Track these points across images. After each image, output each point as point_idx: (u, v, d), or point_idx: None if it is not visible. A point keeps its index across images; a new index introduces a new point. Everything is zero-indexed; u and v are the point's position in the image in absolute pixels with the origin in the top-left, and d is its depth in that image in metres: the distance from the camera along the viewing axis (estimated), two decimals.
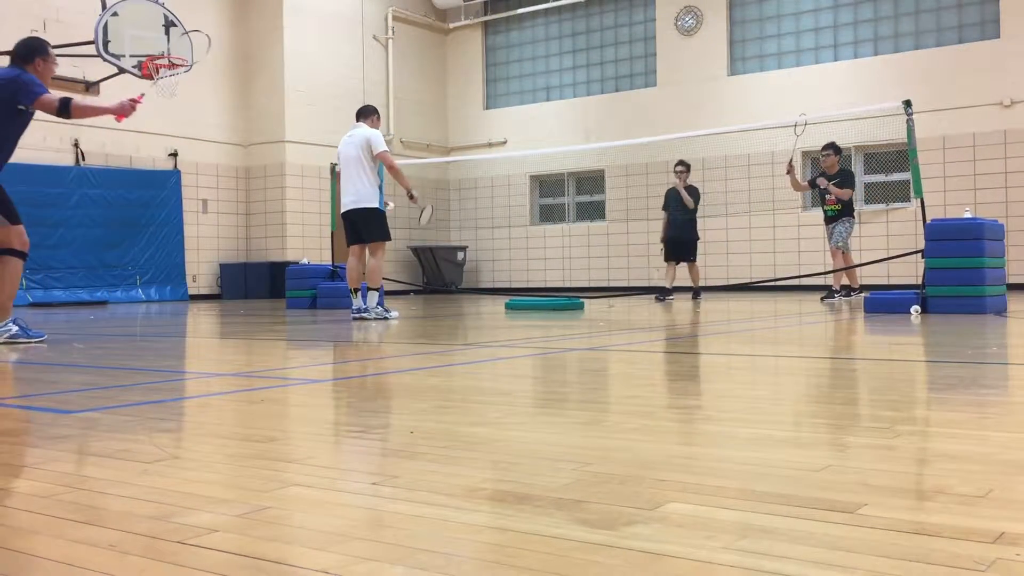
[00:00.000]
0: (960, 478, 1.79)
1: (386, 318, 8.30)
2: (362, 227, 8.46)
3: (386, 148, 8.46)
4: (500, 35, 19.46)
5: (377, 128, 8.63)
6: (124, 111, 6.10)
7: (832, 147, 11.07)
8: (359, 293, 8.63)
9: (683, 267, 12.35)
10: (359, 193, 8.39)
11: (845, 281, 11.17)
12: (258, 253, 16.80)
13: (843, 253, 10.93)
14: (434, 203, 19.30)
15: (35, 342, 5.87)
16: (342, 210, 8.54)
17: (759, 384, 3.66)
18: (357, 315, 8.43)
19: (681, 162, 12.46)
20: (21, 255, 5.94)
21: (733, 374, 4.04)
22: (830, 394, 3.31)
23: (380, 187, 8.45)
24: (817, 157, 15.57)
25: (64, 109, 5.81)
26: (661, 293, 12.16)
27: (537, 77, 18.92)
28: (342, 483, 1.89)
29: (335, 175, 12.65)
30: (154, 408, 3.07)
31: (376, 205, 8.46)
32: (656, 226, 16.61)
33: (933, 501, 1.65)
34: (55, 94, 5.87)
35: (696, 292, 12.30)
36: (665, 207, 12.44)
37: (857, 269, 11.38)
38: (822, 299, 10.92)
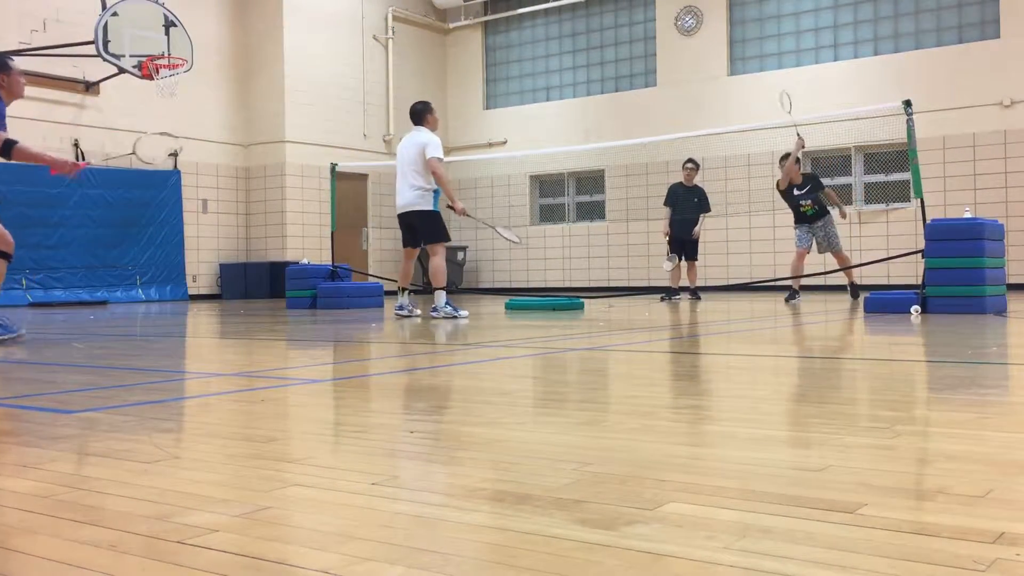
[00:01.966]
0: (960, 478, 1.79)
1: (455, 316, 8.28)
2: (419, 230, 8.55)
3: (439, 155, 8.42)
4: (500, 35, 19.46)
5: (435, 128, 8.60)
6: (63, 169, 5.86)
7: (784, 159, 11.01)
8: (406, 292, 8.73)
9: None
10: (413, 196, 8.44)
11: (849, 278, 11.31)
12: (258, 253, 16.80)
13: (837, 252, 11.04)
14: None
15: (9, 337, 5.89)
16: (397, 211, 8.61)
17: (759, 384, 3.65)
18: (401, 312, 8.62)
19: (691, 160, 12.48)
20: (5, 256, 5.88)
21: (733, 374, 4.04)
22: (830, 394, 3.30)
23: (436, 191, 8.52)
24: (818, 158, 15.63)
25: (5, 151, 5.71)
26: (667, 293, 12.18)
27: (537, 77, 18.91)
28: (342, 483, 1.89)
29: (335, 174, 12.70)
30: (154, 408, 3.07)
31: (431, 208, 8.47)
32: (659, 226, 16.73)
33: (933, 501, 1.65)
34: (1, 134, 5.75)
35: (695, 292, 12.32)
36: (669, 203, 12.39)
37: (847, 269, 11.45)
38: (855, 298, 10.96)
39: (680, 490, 1.73)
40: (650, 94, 17.30)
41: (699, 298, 12.20)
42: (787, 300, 10.82)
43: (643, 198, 16.82)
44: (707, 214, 12.40)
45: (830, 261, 11.64)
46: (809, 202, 10.96)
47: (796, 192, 11.05)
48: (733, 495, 1.68)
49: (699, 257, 12.62)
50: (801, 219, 11.08)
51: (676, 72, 16.95)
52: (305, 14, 16.68)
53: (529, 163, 17.99)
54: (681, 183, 12.42)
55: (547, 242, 18.48)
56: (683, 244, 12.21)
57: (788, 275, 11.38)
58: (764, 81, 16.13)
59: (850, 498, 1.64)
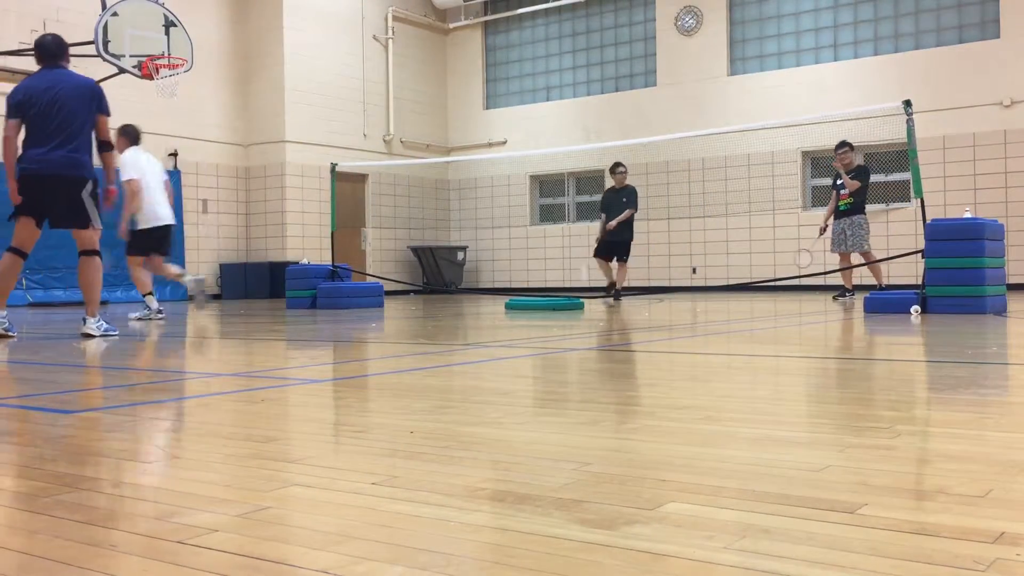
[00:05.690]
0: (960, 478, 1.79)
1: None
2: (165, 241, 8.91)
3: None
4: (500, 35, 19.45)
5: None
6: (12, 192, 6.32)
7: (846, 144, 11.14)
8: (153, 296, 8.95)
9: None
10: (170, 210, 8.88)
11: (853, 281, 11.30)
12: (258, 253, 16.80)
13: (848, 254, 10.99)
14: (435, 203, 19.32)
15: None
16: (161, 223, 8.79)
17: (759, 384, 3.65)
18: (160, 316, 8.72)
19: (619, 163, 12.29)
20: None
21: (733, 374, 4.04)
22: (830, 394, 3.31)
23: None
24: (818, 158, 15.64)
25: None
26: (609, 290, 11.89)
27: (537, 77, 18.91)
28: (342, 483, 1.89)
29: (335, 174, 12.71)
30: (154, 408, 3.07)
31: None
32: (659, 226, 16.72)
33: (933, 501, 1.65)
34: None
35: (617, 293, 11.89)
36: (602, 209, 12.28)
37: (856, 270, 11.44)
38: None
39: (680, 490, 1.73)
40: (650, 94, 17.30)
41: (618, 300, 11.74)
42: (835, 297, 10.85)
43: (642, 198, 16.76)
44: (634, 212, 12.01)
45: (834, 261, 11.65)
46: (846, 193, 10.89)
47: (838, 181, 11.01)
48: (733, 495, 1.68)
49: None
50: (838, 213, 10.97)
51: (676, 72, 16.95)
52: (305, 14, 16.68)
53: (529, 163, 18.00)
54: (613, 187, 12.29)
55: (547, 242, 18.48)
56: (614, 245, 11.99)
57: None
58: (764, 81, 16.13)
59: (850, 498, 1.64)
